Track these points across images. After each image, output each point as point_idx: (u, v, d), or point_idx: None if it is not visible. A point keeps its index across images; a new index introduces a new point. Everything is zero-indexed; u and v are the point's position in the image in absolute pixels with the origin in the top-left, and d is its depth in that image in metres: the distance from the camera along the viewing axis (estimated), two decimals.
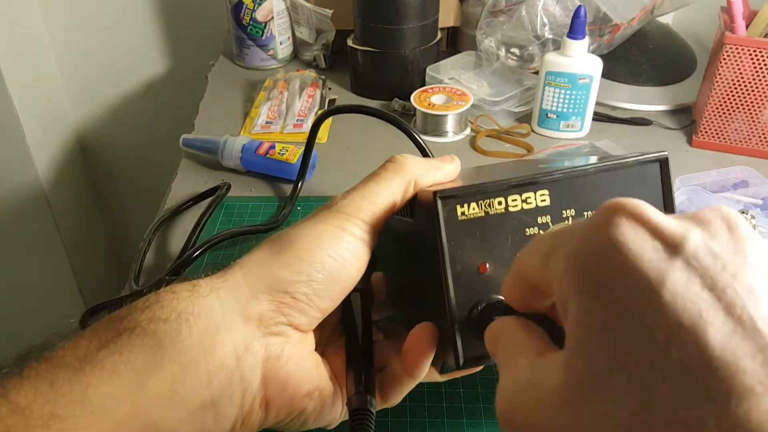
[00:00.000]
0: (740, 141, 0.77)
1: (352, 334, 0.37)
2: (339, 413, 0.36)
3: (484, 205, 0.31)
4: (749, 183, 0.70)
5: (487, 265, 0.32)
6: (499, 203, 0.31)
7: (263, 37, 0.95)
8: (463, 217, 0.31)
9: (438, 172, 0.37)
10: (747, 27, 0.75)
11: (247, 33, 0.95)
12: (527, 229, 0.32)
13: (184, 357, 0.29)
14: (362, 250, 0.35)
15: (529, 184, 0.31)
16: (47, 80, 1.18)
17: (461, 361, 0.32)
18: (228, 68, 0.98)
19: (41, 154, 1.13)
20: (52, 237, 1.17)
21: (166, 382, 0.28)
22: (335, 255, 0.33)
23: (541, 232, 0.32)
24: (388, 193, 0.35)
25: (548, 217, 0.32)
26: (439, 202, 0.30)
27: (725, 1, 0.75)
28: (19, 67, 1.07)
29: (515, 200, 0.31)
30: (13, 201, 1.13)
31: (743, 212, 0.58)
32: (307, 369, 0.34)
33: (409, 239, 0.36)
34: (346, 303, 0.38)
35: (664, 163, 0.34)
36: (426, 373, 0.35)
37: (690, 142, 0.80)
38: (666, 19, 1.00)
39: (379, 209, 0.35)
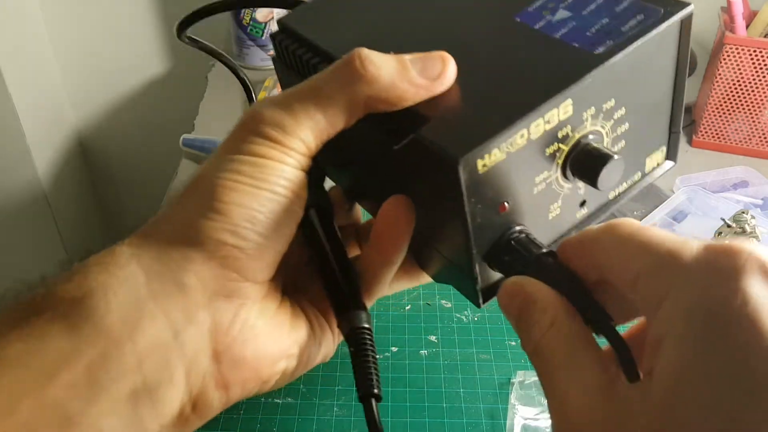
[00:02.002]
0: (740, 141, 0.77)
1: (322, 255, 0.33)
2: (333, 344, 0.33)
3: (507, 146, 0.26)
4: (749, 183, 0.70)
5: (506, 204, 0.28)
6: (522, 136, 0.27)
7: (263, 37, 0.96)
8: (484, 169, 0.26)
9: (413, 90, 0.28)
10: (747, 27, 0.75)
11: (247, 33, 0.95)
12: (547, 150, 0.28)
13: (103, 339, 0.25)
14: (300, 177, 0.28)
15: (554, 99, 0.27)
16: (47, 80, 1.18)
17: (481, 305, 0.30)
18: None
19: (41, 154, 1.13)
20: (51, 237, 1.17)
21: (81, 371, 0.25)
22: (274, 192, 0.28)
23: (561, 146, 0.28)
24: (326, 117, 0.28)
25: (568, 127, 0.28)
26: (461, 168, 0.25)
27: (725, 1, 0.75)
28: (19, 67, 1.07)
29: (538, 125, 0.27)
30: (12, 201, 1.13)
31: (743, 212, 0.58)
32: (272, 330, 0.29)
33: (382, 159, 0.31)
34: (305, 224, 0.33)
35: (686, 21, 0.29)
36: (404, 253, 0.31)
37: (690, 142, 0.80)
38: None
39: (315, 137, 0.28)
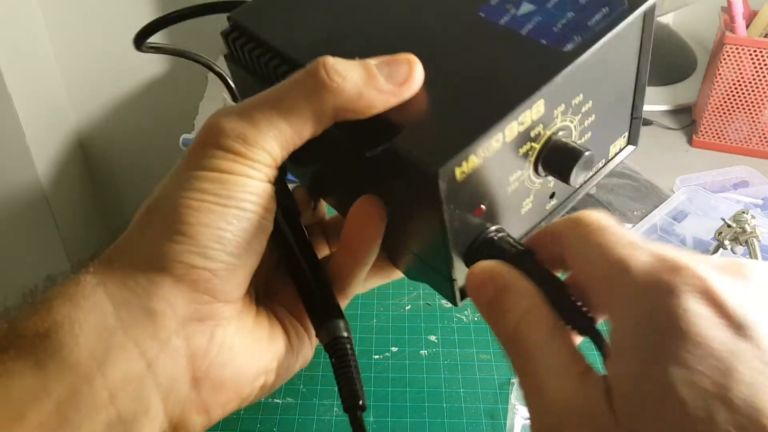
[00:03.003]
0: (740, 141, 0.77)
1: (293, 260, 0.32)
2: (311, 349, 0.32)
3: (483, 151, 0.26)
4: (749, 183, 0.70)
5: (483, 207, 0.28)
6: (497, 140, 0.26)
7: None
8: (462, 176, 0.26)
9: (382, 97, 0.27)
10: (747, 27, 0.75)
11: None
12: (520, 150, 0.28)
13: (72, 374, 0.24)
14: (268, 190, 0.27)
15: (528, 101, 0.26)
16: (47, 80, 1.18)
17: (459, 303, 0.30)
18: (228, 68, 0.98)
19: (41, 154, 1.13)
20: (51, 237, 1.17)
21: (51, 409, 0.23)
22: (241, 208, 0.27)
23: (533, 145, 0.28)
24: (292, 126, 0.27)
25: (540, 126, 0.28)
26: (440, 180, 0.25)
27: (725, 1, 0.75)
28: (18, 66, 1.07)
29: (512, 128, 0.26)
30: (12, 201, 1.13)
31: (743, 212, 0.58)
32: (250, 347, 0.28)
33: (352, 163, 0.30)
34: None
35: (649, 14, 0.29)
36: (376, 253, 0.30)
37: (690, 142, 0.80)
38: (666, 19, 1.00)
39: (281, 147, 0.27)
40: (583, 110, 0.30)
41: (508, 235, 0.28)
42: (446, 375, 0.49)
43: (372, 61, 0.27)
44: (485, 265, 0.26)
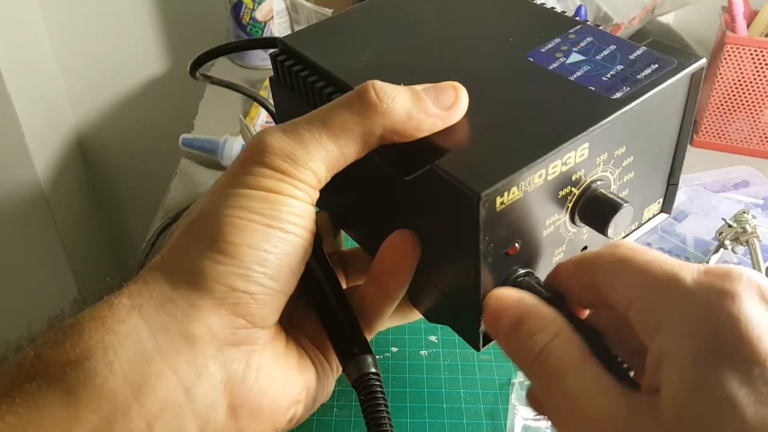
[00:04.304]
0: (741, 141, 0.77)
1: (320, 292, 0.31)
2: (332, 384, 0.31)
3: (525, 185, 0.26)
4: (750, 183, 0.70)
5: (517, 245, 0.27)
6: (540, 176, 0.26)
7: (263, 37, 0.95)
8: (501, 207, 0.25)
9: (429, 120, 0.27)
10: (748, 27, 0.75)
11: (247, 33, 0.95)
12: (560, 192, 0.27)
13: (107, 403, 0.22)
14: (311, 212, 0.27)
15: (574, 141, 0.26)
16: (47, 80, 1.18)
17: (481, 348, 0.29)
18: (228, 68, 0.98)
19: (40, 154, 1.12)
20: (51, 237, 1.17)
21: None
22: (285, 230, 0.26)
23: (573, 189, 0.28)
24: (339, 148, 0.26)
25: (582, 171, 0.28)
26: (481, 204, 0.24)
27: (726, 0, 0.75)
28: (18, 66, 1.06)
29: (555, 166, 0.26)
30: (11, 201, 1.13)
31: (744, 212, 0.58)
32: (285, 374, 0.27)
33: (388, 190, 0.30)
34: None
35: (696, 76, 0.30)
36: (406, 288, 0.29)
37: (691, 141, 0.79)
38: (667, 19, 1.00)
39: (327, 168, 0.26)
40: (624, 164, 0.30)
41: (539, 279, 0.28)
42: (446, 375, 0.49)
43: (418, 87, 0.27)
44: (505, 291, 0.26)
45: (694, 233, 0.62)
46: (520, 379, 0.48)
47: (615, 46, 0.31)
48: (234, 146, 0.71)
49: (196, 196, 0.68)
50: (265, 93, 0.87)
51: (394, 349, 0.51)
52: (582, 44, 0.31)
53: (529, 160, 0.25)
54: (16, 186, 1.11)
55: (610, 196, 0.28)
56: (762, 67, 0.72)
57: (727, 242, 0.57)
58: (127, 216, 1.40)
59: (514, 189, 0.25)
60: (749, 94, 0.74)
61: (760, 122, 0.75)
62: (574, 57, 0.31)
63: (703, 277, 0.21)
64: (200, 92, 0.92)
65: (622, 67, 0.30)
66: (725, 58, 0.72)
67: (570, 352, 0.23)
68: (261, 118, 0.82)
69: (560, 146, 0.26)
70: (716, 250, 0.58)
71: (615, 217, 0.27)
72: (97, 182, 1.34)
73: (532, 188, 0.26)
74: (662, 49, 0.30)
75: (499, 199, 0.25)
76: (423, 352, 0.51)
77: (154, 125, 1.27)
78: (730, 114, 0.76)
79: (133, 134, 1.29)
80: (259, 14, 0.94)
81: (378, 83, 0.27)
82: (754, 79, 0.72)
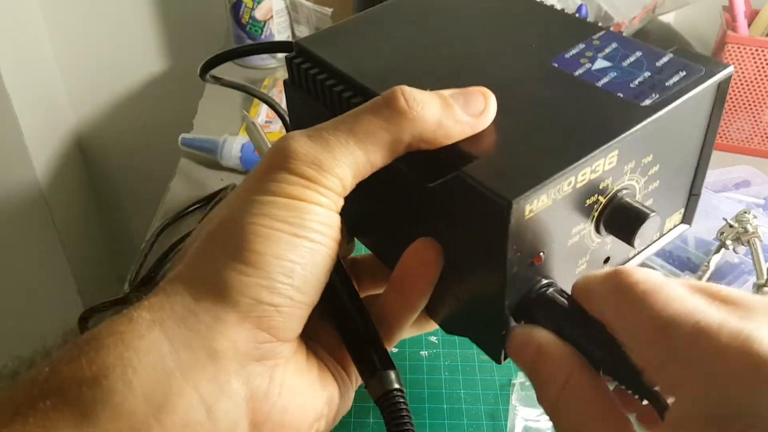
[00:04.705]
0: (742, 141, 0.77)
1: (336, 300, 0.30)
2: (351, 398, 0.30)
3: (554, 193, 0.25)
4: (751, 183, 0.69)
5: (542, 255, 0.27)
6: (569, 184, 0.25)
7: (262, 36, 0.95)
8: (530, 215, 0.25)
9: (459, 128, 0.26)
10: (749, 26, 0.74)
11: (247, 32, 0.95)
12: (587, 200, 0.27)
13: (126, 424, 0.21)
14: (337, 221, 0.26)
15: (603, 149, 0.26)
16: (47, 80, 1.18)
17: (503, 361, 0.29)
18: (227, 67, 0.98)
19: (39, 154, 1.12)
20: (50, 237, 1.17)
21: None
22: (312, 239, 0.25)
23: (600, 198, 0.27)
24: (366, 154, 0.25)
25: (610, 179, 0.27)
26: (512, 212, 0.24)
27: (727, 0, 0.75)
28: (17, 66, 1.06)
29: (584, 174, 0.26)
30: (10, 201, 1.12)
31: (745, 212, 0.58)
32: (308, 388, 0.27)
33: (411, 197, 0.29)
34: None
35: (723, 84, 0.29)
36: (428, 298, 0.29)
37: None
38: (667, 18, 1.00)
39: (353, 174, 0.26)
40: (650, 173, 0.29)
41: (562, 290, 0.27)
42: (447, 376, 0.49)
43: (446, 92, 0.27)
44: (522, 327, 0.26)
45: (695, 233, 0.62)
46: (520, 380, 0.48)
47: (641, 53, 0.31)
48: (234, 146, 0.71)
49: (196, 196, 0.68)
50: (264, 92, 0.87)
51: (395, 350, 0.51)
52: (607, 50, 0.31)
53: (561, 167, 0.25)
54: (16, 186, 1.11)
55: (637, 205, 0.28)
56: (763, 67, 0.71)
57: (728, 242, 0.57)
58: (127, 216, 1.40)
59: (544, 197, 0.25)
60: (750, 93, 0.73)
61: (761, 122, 0.75)
62: (600, 63, 0.30)
63: (735, 331, 0.20)
64: (200, 92, 0.92)
65: (649, 74, 0.29)
66: (726, 58, 0.72)
67: (579, 404, 0.23)
68: (261, 118, 0.81)
69: (591, 153, 0.25)
70: (717, 250, 0.58)
71: (642, 227, 0.27)
72: (96, 182, 1.34)
73: (560, 196, 0.26)
74: (688, 56, 0.30)
75: (528, 207, 0.25)
76: (423, 352, 0.51)
77: (154, 125, 1.27)
78: (731, 114, 0.75)
79: (133, 134, 1.29)
80: (259, 13, 0.94)
81: (407, 89, 0.26)
82: (756, 78, 0.72)
